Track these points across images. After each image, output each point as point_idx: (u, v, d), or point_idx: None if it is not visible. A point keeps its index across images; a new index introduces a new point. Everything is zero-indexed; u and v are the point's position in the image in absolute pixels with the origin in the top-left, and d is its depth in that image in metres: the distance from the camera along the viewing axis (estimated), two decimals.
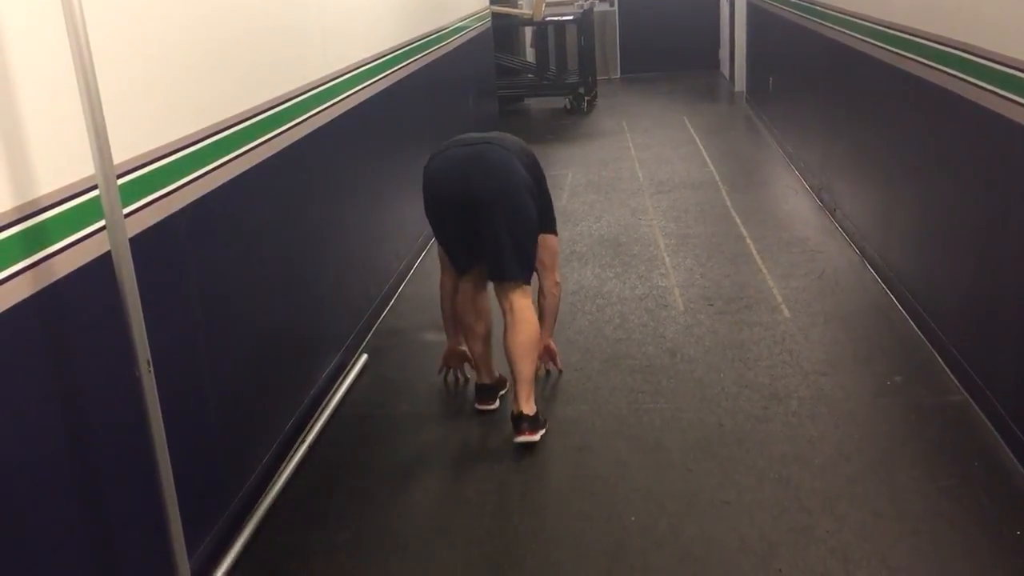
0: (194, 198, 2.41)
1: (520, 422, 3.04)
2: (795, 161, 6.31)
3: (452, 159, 3.11)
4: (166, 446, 1.97)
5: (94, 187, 1.88)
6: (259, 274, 2.91)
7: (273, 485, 2.86)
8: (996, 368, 2.98)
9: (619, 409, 3.28)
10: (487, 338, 3.31)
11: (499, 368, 3.40)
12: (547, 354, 3.49)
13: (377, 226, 4.27)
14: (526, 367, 3.05)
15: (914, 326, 3.70)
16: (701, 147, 7.23)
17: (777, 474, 2.82)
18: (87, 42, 1.71)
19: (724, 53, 10.62)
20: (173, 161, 2.30)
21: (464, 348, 3.44)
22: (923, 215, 3.69)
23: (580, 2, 9.66)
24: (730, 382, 3.40)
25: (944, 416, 3.07)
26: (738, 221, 5.28)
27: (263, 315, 2.94)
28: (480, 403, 3.32)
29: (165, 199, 2.26)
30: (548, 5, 8.92)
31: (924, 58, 3.51)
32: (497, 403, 3.33)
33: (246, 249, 2.81)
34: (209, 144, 2.50)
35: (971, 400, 3.11)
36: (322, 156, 3.48)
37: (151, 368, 1.90)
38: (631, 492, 2.80)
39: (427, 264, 4.90)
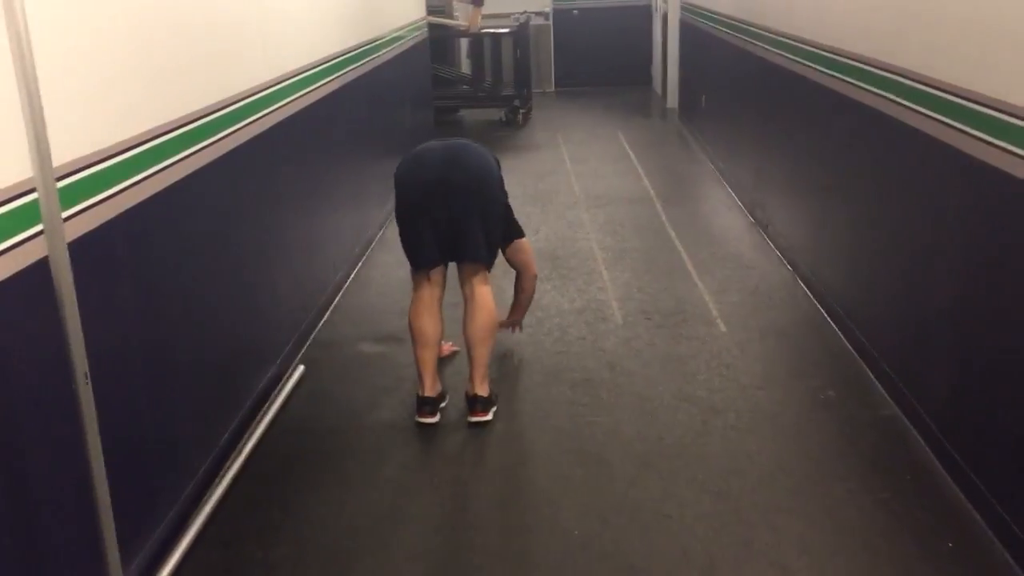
0: (130, 205, 2.34)
1: (474, 403, 3.27)
2: (727, 178, 6.42)
3: (432, 150, 3.31)
4: (102, 461, 1.90)
5: (32, 190, 1.80)
6: (194, 283, 2.84)
7: (208, 499, 2.78)
8: (926, 383, 3.06)
9: (560, 422, 3.28)
10: (437, 346, 3.35)
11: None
12: (516, 325, 3.94)
13: (313, 235, 4.21)
14: (482, 352, 3.28)
15: (845, 341, 3.78)
16: (635, 162, 7.30)
17: (717, 487, 2.85)
18: (28, 41, 1.65)
19: (656, 70, 10.77)
20: (111, 166, 2.23)
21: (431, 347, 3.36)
22: (855, 233, 3.78)
23: (516, 15, 9.71)
24: (669, 395, 3.43)
25: (877, 430, 3.14)
26: (673, 236, 5.34)
27: (198, 324, 2.87)
28: (421, 415, 3.28)
29: (102, 205, 2.18)
30: (484, 17, 8.93)
31: (857, 80, 3.60)
32: (438, 417, 3.30)
33: (181, 258, 2.73)
34: (147, 150, 2.43)
35: (902, 414, 3.19)
36: (260, 164, 3.42)
37: (88, 380, 1.83)
38: (574, 506, 2.79)
39: (363, 275, 4.85)
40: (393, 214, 3.37)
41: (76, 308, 1.80)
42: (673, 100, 9.48)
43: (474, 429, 3.25)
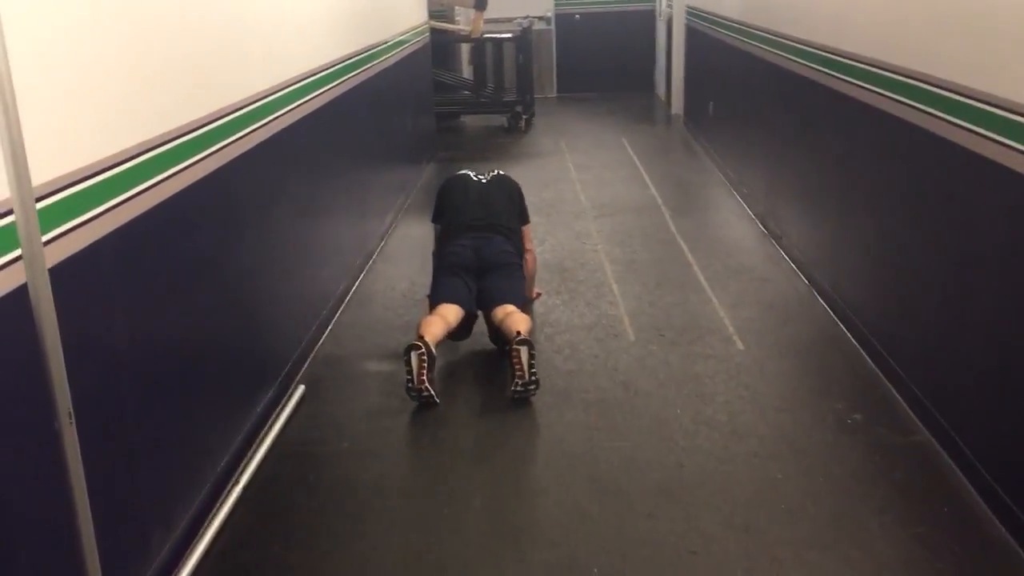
0: (119, 224, 2.17)
1: (519, 337, 3.46)
2: (737, 187, 6.26)
3: (465, 245, 3.98)
4: (88, 506, 1.74)
5: (8, 212, 1.64)
6: (188, 304, 2.67)
7: (203, 535, 2.62)
8: (961, 407, 2.90)
9: (574, 448, 3.12)
10: (443, 333, 3.58)
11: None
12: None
13: (314, 248, 4.05)
14: (524, 328, 3.54)
15: (868, 360, 3.62)
16: (642, 169, 7.15)
17: (743, 520, 2.69)
18: (5, 53, 1.49)
19: (659, 75, 10.63)
20: (96, 184, 2.07)
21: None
22: (878, 246, 3.62)
23: (519, 20, 9.56)
24: (687, 419, 3.27)
25: (908, 457, 2.98)
26: (684, 247, 5.18)
27: (193, 347, 2.71)
28: (414, 342, 3.38)
29: (87, 226, 2.02)
30: (486, 22, 8.78)
31: (883, 88, 3.45)
32: (428, 365, 3.35)
33: (174, 278, 2.57)
34: (136, 165, 2.27)
35: (934, 441, 3.03)
36: (258, 175, 3.26)
37: (72, 420, 1.67)
38: (592, 540, 2.63)
39: (365, 288, 4.69)
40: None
41: (58, 341, 1.64)
42: (678, 106, 9.33)
43: (482, 460, 3.10)
